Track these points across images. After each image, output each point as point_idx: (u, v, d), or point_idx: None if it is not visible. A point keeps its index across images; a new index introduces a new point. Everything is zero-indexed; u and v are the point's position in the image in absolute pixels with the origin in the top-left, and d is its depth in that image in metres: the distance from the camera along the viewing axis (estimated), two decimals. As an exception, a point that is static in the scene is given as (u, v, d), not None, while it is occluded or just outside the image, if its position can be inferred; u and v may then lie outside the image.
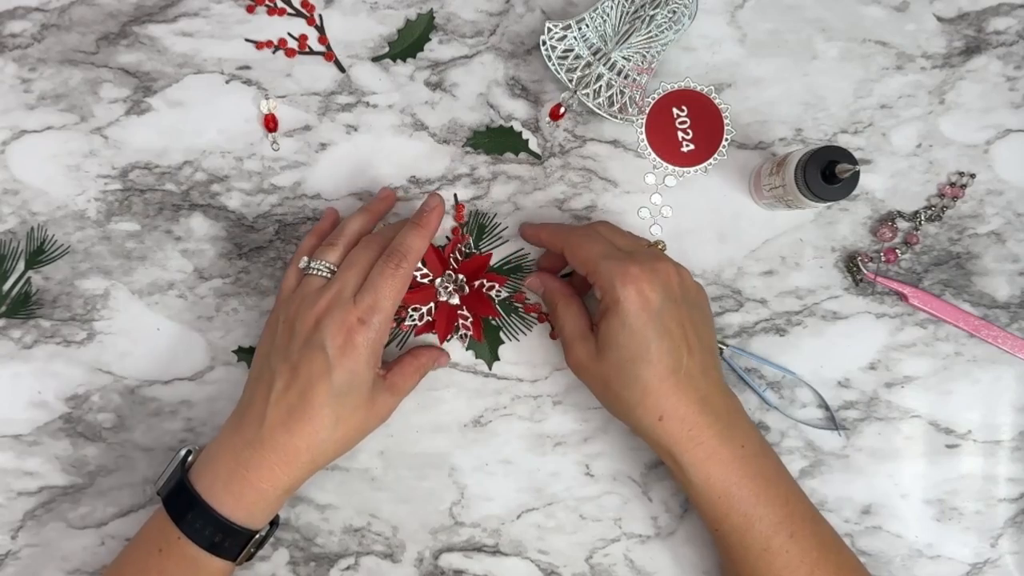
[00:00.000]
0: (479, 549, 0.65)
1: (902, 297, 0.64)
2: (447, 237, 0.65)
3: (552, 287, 0.61)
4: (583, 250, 0.57)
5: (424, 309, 0.64)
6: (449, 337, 0.65)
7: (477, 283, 0.64)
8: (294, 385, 0.54)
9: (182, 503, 0.55)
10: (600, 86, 0.62)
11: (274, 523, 0.59)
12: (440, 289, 0.64)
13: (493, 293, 0.64)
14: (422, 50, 0.65)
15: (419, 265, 0.64)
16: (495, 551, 0.65)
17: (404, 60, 0.65)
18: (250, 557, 0.57)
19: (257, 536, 0.56)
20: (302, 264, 0.58)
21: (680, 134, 0.65)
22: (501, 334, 0.65)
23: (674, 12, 0.62)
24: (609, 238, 0.58)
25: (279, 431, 0.54)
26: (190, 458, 0.57)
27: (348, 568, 0.65)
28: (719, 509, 0.55)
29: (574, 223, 0.65)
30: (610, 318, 0.54)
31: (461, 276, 0.64)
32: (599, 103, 0.63)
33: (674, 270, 0.56)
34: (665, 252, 0.63)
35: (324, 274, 0.57)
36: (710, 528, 0.56)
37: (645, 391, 0.54)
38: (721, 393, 0.56)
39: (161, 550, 0.55)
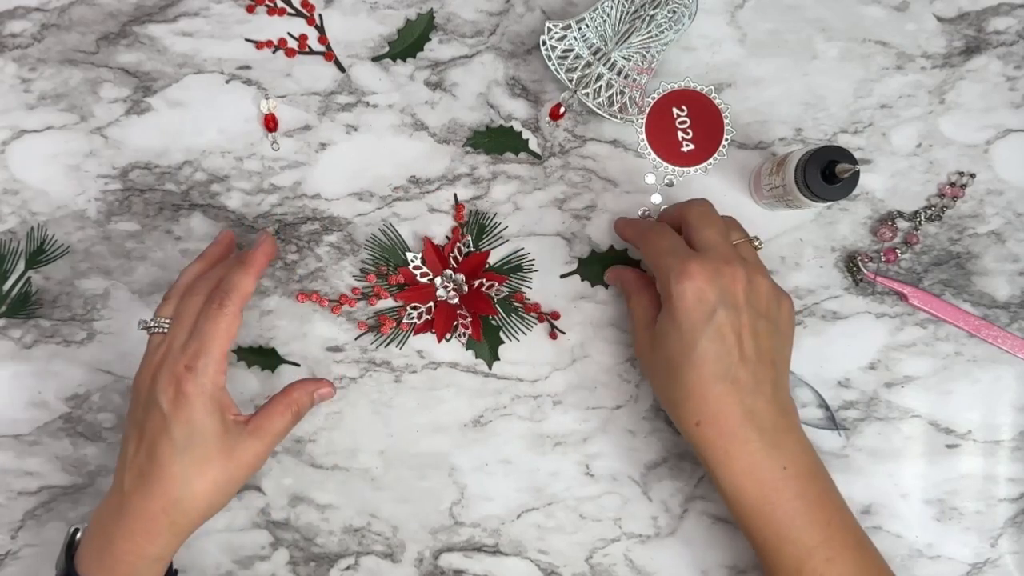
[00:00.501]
0: (479, 549, 0.65)
1: (902, 297, 0.64)
2: (447, 238, 0.65)
3: (626, 277, 0.60)
4: (651, 245, 0.56)
5: (423, 308, 0.64)
6: (448, 337, 0.65)
7: (476, 282, 0.64)
8: (141, 447, 0.53)
9: None
10: (600, 86, 0.62)
11: None
12: (439, 288, 0.64)
13: (492, 292, 0.64)
14: (422, 50, 0.65)
15: (419, 264, 0.64)
16: (495, 551, 0.65)
17: (404, 60, 0.65)
18: None
19: None
20: (140, 325, 0.56)
21: (680, 134, 0.64)
22: (501, 334, 0.65)
23: (674, 12, 0.62)
24: (694, 229, 0.55)
25: (135, 497, 0.52)
26: (79, 536, 0.55)
27: (348, 568, 0.65)
28: (751, 522, 0.53)
29: (649, 217, 0.64)
30: (664, 314, 0.54)
31: (460, 275, 0.64)
32: (599, 103, 0.63)
33: (743, 274, 0.53)
34: (758, 250, 0.59)
35: (162, 330, 0.55)
36: (745, 536, 0.55)
37: (687, 393, 0.53)
38: (775, 409, 0.53)
39: None
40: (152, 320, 0.56)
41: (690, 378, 0.52)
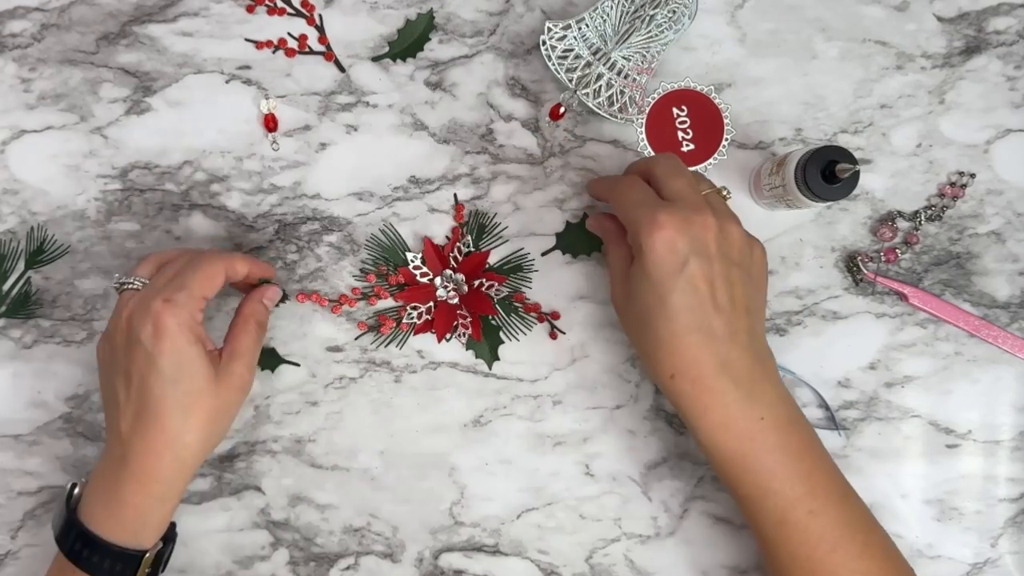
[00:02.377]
0: (479, 549, 0.65)
1: (902, 297, 0.64)
2: (447, 238, 0.65)
3: (607, 226, 0.59)
4: (621, 198, 0.54)
5: (423, 308, 0.64)
6: (448, 337, 0.65)
7: (476, 282, 0.64)
8: (131, 390, 0.53)
9: (75, 541, 0.53)
10: (600, 86, 0.62)
11: (169, 539, 0.56)
12: (439, 288, 0.64)
13: (492, 292, 0.64)
14: (422, 50, 0.65)
15: (418, 264, 0.64)
16: (495, 551, 0.65)
17: (404, 60, 0.65)
18: None
19: (148, 556, 0.54)
20: (114, 281, 0.57)
21: (680, 134, 0.65)
22: (501, 334, 0.65)
23: (674, 12, 0.62)
24: (662, 181, 0.54)
25: (135, 438, 0.52)
26: (76, 490, 0.55)
27: (348, 568, 0.65)
28: (730, 475, 0.52)
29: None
30: (635, 266, 0.52)
31: (460, 275, 0.64)
32: (599, 103, 0.63)
33: (714, 223, 0.52)
34: (727, 200, 0.57)
35: (136, 286, 0.55)
36: (726, 489, 0.54)
37: (659, 344, 0.51)
38: (750, 359, 0.52)
39: None
40: (127, 277, 0.56)
41: (663, 329, 0.51)
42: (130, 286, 0.56)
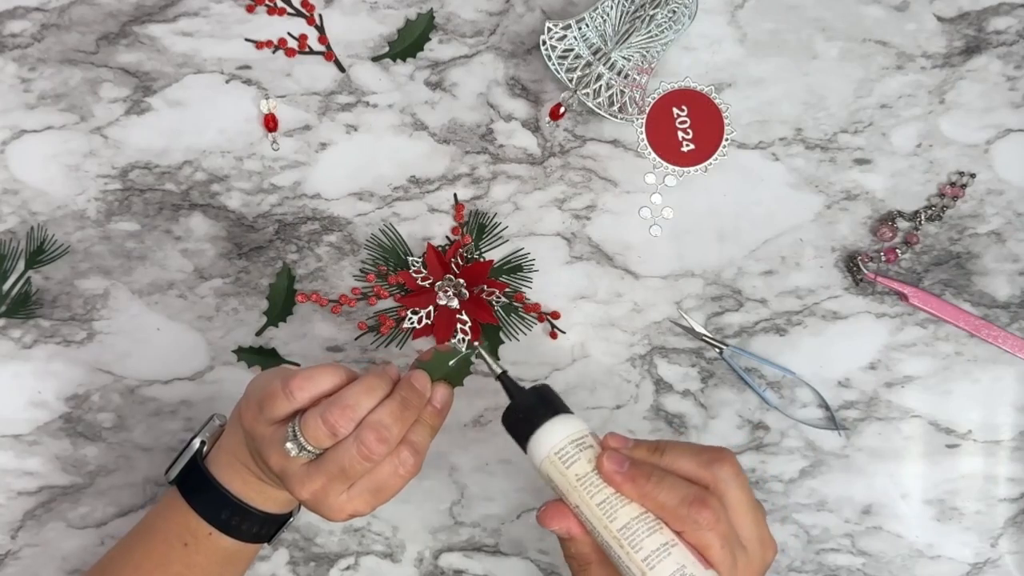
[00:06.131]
0: (479, 549, 0.65)
1: (902, 297, 0.64)
2: (447, 237, 0.65)
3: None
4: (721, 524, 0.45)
5: (423, 312, 0.64)
6: (454, 339, 0.65)
7: (477, 288, 0.64)
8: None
9: (231, 515, 0.52)
10: (600, 86, 0.62)
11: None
12: (440, 293, 0.64)
13: (493, 300, 0.64)
14: (422, 50, 0.65)
15: (420, 268, 0.64)
16: (495, 551, 0.65)
17: (404, 60, 0.65)
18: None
19: (293, 517, 0.56)
20: (287, 439, 0.48)
21: (680, 134, 0.65)
22: (501, 334, 0.65)
23: (674, 12, 0.62)
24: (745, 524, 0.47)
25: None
26: (204, 448, 0.55)
27: (348, 568, 0.65)
28: None
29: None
30: None
31: (461, 280, 0.64)
32: (599, 103, 0.63)
33: None
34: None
35: (306, 457, 0.48)
36: None
37: None
38: None
39: (187, 544, 0.53)
40: (304, 440, 0.47)
41: None
42: (303, 454, 0.48)
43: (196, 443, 0.55)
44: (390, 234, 0.65)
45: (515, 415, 0.49)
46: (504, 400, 0.50)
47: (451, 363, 0.51)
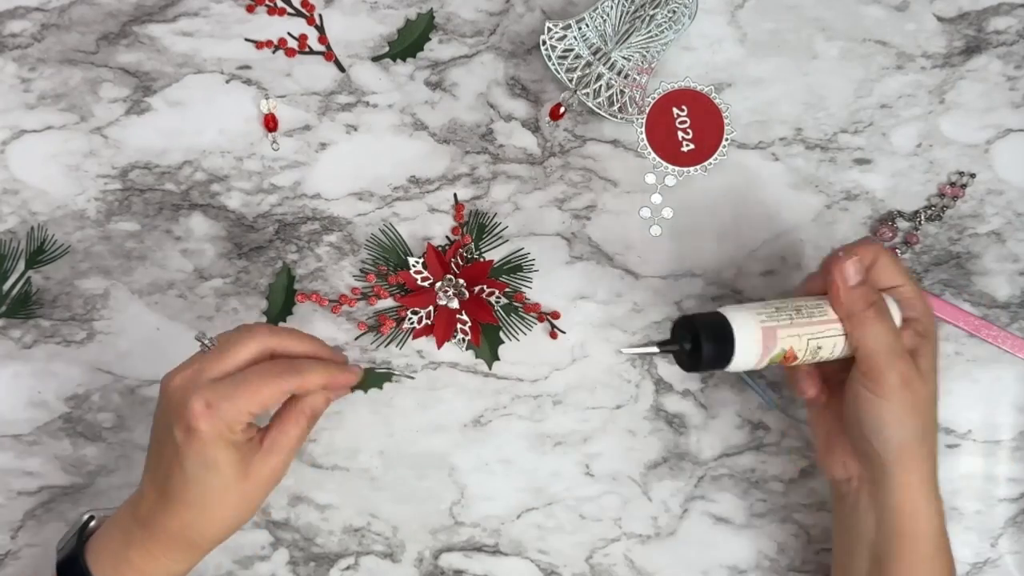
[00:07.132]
0: (479, 549, 0.65)
1: (902, 297, 0.64)
2: (447, 237, 0.65)
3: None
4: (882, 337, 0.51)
5: (423, 312, 0.64)
6: (453, 339, 0.65)
7: (477, 288, 0.64)
8: (160, 465, 0.51)
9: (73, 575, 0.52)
10: (600, 86, 0.62)
11: None
12: (440, 293, 0.64)
13: (493, 299, 0.64)
14: (422, 50, 0.65)
15: (420, 268, 0.64)
16: (495, 551, 0.65)
17: (404, 60, 0.65)
18: None
19: None
20: (196, 334, 0.52)
21: (680, 134, 0.65)
22: (501, 334, 0.65)
23: (674, 12, 0.62)
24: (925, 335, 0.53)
25: (157, 511, 0.51)
26: (92, 524, 0.54)
27: (348, 568, 0.65)
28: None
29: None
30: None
31: (461, 280, 0.64)
32: (599, 103, 0.63)
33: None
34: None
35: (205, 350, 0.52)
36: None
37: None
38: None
39: None
40: (207, 339, 0.52)
41: None
42: (203, 347, 0.51)
43: (83, 519, 0.54)
44: (390, 234, 0.65)
45: (701, 361, 0.51)
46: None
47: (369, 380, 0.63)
